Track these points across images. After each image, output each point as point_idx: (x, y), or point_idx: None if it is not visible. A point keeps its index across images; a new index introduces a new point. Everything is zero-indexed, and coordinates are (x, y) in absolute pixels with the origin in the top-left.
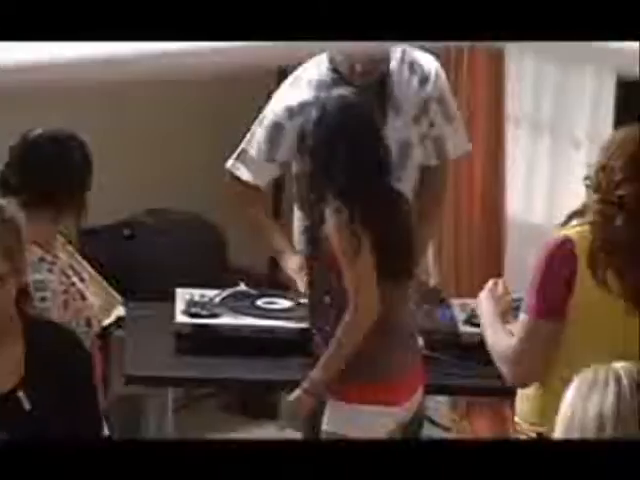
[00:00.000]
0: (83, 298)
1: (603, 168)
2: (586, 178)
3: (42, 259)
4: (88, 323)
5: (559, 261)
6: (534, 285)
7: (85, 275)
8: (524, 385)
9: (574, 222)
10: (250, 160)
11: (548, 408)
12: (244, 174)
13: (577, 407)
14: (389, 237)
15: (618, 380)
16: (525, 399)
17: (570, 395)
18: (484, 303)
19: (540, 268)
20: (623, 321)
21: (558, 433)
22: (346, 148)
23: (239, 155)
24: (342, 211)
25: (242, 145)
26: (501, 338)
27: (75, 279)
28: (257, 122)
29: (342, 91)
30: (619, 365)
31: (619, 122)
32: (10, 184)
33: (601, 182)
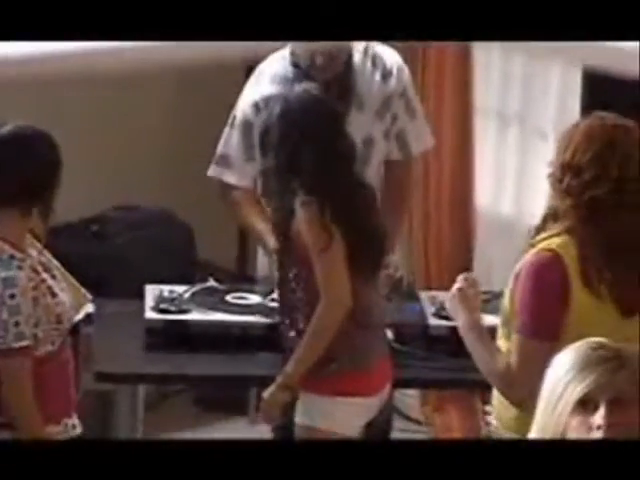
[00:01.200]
0: (53, 295)
1: (569, 166)
2: (549, 177)
3: (12, 256)
4: (59, 320)
5: (551, 280)
6: (527, 305)
7: (55, 272)
8: (522, 404)
9: (549, 230)
10: (231, 162)
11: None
12: (229, 177)
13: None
14: (359, 229)
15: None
16: (506, 406)
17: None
18: (460, 314)
19: (531, 288)
20: (618, 327)
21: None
22: (312, 141)
23: (219, 160)
24: (311, 204)
25: (219, 149)
26: (492, 357)
27: (45, 276)
28: (228, 123)
29: (305, 85)
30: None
31: (585, 113)
32: None
33: (570, 184)
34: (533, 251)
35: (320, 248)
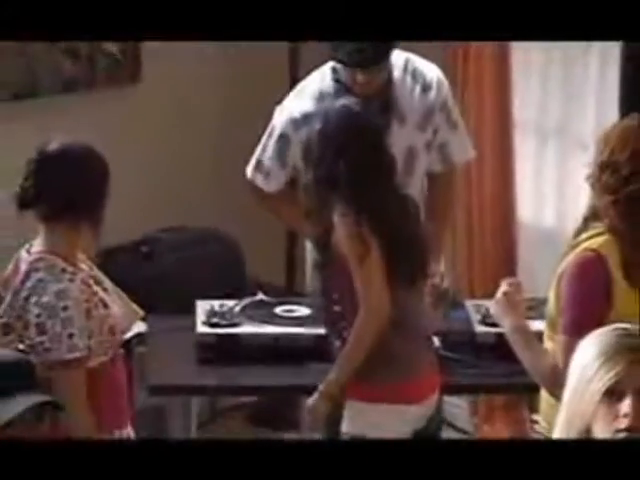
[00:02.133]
0: (105, 306)
1: (607, 165)
2: (588, 177)
3: (64, 270)
4: (112, 331)
5: (594, 279)
6: (572, 305)
7: (107, 285)
8: None
9: (591, 230)
10: (265, 169)
11: None
12: (262, 183)
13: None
14: (398, 239)
15: None
16: (554, 407)
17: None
18: (506, 317)
19: (576, 289)
20: None
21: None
22: (349, 155)
23: (256, 165)
24: (348, 215)
25: (256, 155)
26: (539, 357)
27: (97, 288)
28: (267, 133)
29: (344, 100)
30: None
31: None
32: (28, 196)
33: (608, 181)
34: (576, 251)
35: (358, 258)
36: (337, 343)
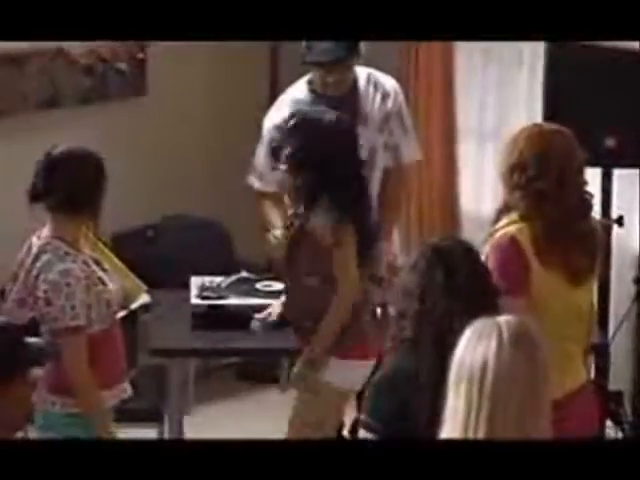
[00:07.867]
0: (103, 284)
1: (516, 166)
2: (501, 176)
3: (67, 253)
4: (108, 304)
5: (511, 256)
6: (497, 278)
7: (107, 266)
8: None
9: (505, 219)
10: (260, 173)
11: None
12: (258, 185)
13: (467, 354)
14: (364, 231)
15: (500, 332)
16: None
17: (462, 344)
18: None
19: (497, 265)
20: (569, 295)
21: (452, 376)
22: (337, 165)
23: (252, 170)
24: (333, 212)
25: (253, 162)
26: None
27: (96, 268)
28: (260, 142)
29: (330, 115)
30: (501, 319)
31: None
32: (38, 191)
33: (519, 180)
34: (494, 237)
35: (337, 246)
36: (307, 323)
